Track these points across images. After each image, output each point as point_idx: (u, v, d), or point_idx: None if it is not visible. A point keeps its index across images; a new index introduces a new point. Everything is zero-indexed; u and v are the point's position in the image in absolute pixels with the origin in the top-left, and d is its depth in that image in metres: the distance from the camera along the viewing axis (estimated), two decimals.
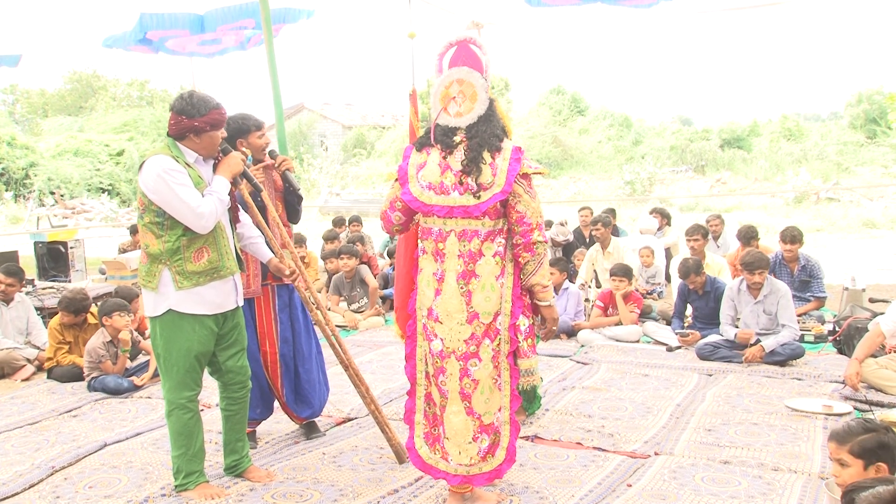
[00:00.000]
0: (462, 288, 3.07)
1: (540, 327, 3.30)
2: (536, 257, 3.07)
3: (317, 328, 3.99)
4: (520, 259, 3.09)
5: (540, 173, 3.13)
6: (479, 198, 3.00)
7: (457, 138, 3.07)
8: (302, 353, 4.09)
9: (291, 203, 4.09)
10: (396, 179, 3.20)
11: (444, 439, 3.18)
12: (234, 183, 3.43)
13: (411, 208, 3.17)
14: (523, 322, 3.18)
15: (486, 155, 3.02)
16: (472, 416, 3.12)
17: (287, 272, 3.67)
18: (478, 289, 3.07)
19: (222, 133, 3.35)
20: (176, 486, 3.44)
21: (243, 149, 3.89)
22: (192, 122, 3.23)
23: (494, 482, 3.34)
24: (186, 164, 3.25)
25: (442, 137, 3.09)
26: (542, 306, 3.22)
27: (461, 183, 3.02)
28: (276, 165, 4.00)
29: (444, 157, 3.07)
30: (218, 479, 3.59)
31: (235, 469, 3.64)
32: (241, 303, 3.51)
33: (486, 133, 3.04)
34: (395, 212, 3.21)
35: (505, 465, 3.19)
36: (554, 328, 3.27)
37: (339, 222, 10.41)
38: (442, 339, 3.12)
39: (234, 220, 3.51)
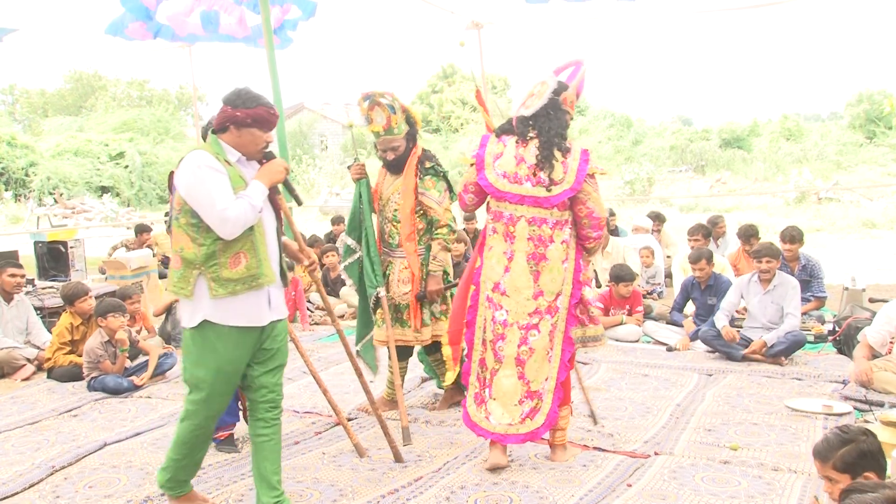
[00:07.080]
0: (532, 268, 3.55)
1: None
2: (599, 242, 3.67)
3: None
4: (587, 244, 3.62)
5: (604, 174, 3.62)
6: (550, 191, 3.48)
7: (531, 132, 3.54)
8: None
9: None
10: (472, 164, 3.65)
11: (490, 400, 3.59)
12: (274, 191, 3.17)
13: (485, 192, 3.63)
14: (589, 292, 3.59)
15: (557, 154, 3.49)
16: (523, 380, 3.56)
17: (306, 262, 3.53)
18: (545, 270, 3.55)
19: (268, 137, 3.11)
20: (160, 485, 3.26)
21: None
22: (235, 112, 3.01)
23: (526, 444, 3.70)
24: (227, 161, 3.02)
25: (519, 126, 3.59)
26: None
27: (534, 175, 3.49)
28: None
29: (519, 148, 3.54)
30: (204, 483, 3.58)
31: None
32: (278, 316, 3.19)
33: (551, 132, 3.50)
34: (468, 194, 3.71)
35: (542, 429, 3.56)
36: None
37: (338, 220, 10.32)
38: (507, 311, 3.57)
39: (280, 229, 3.23)
